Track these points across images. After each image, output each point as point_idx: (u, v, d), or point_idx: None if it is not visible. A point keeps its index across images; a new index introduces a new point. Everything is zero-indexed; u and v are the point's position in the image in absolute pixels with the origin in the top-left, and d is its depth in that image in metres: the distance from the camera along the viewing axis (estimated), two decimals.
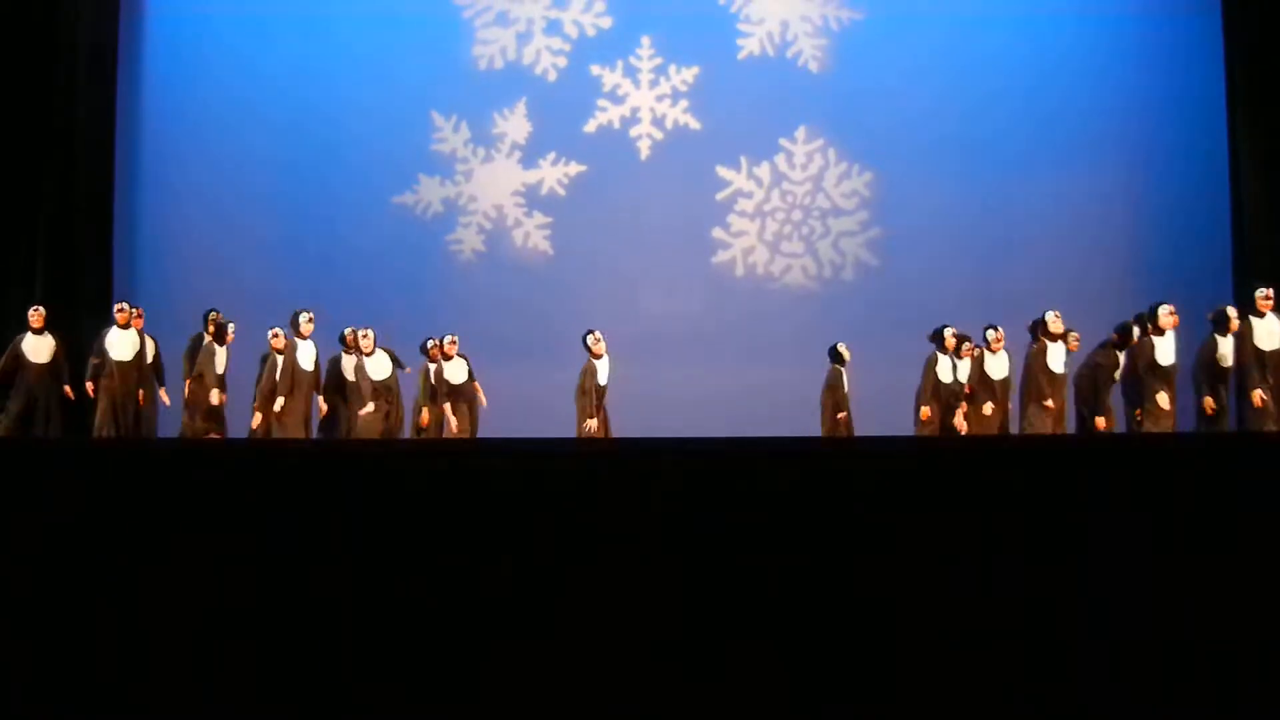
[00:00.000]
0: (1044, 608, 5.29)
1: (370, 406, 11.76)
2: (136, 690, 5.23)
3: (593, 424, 11.86)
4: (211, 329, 11.92)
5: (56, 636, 5.25)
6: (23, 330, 11.42)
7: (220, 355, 11.84)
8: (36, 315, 11.32)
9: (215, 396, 11.69)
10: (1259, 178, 13.47)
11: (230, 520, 5.49)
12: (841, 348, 12.41)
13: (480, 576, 5.47)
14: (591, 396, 11.95)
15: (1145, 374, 10.83)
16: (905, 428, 12.21)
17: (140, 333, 11.68)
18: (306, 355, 11.79)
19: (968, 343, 12.14)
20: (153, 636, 5.25)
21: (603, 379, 12.01)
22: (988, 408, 11.67)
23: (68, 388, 11.47)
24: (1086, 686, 5.20)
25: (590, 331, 12.09)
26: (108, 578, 5.37)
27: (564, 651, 5.43)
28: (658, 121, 14.82)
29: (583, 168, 14.80)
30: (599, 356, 11.99)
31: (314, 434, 11.82)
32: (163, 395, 12.11)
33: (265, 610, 5.40)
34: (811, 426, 12.29)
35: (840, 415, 12.20)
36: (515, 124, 14.86)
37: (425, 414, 12.16)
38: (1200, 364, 10.99)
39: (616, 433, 12.02)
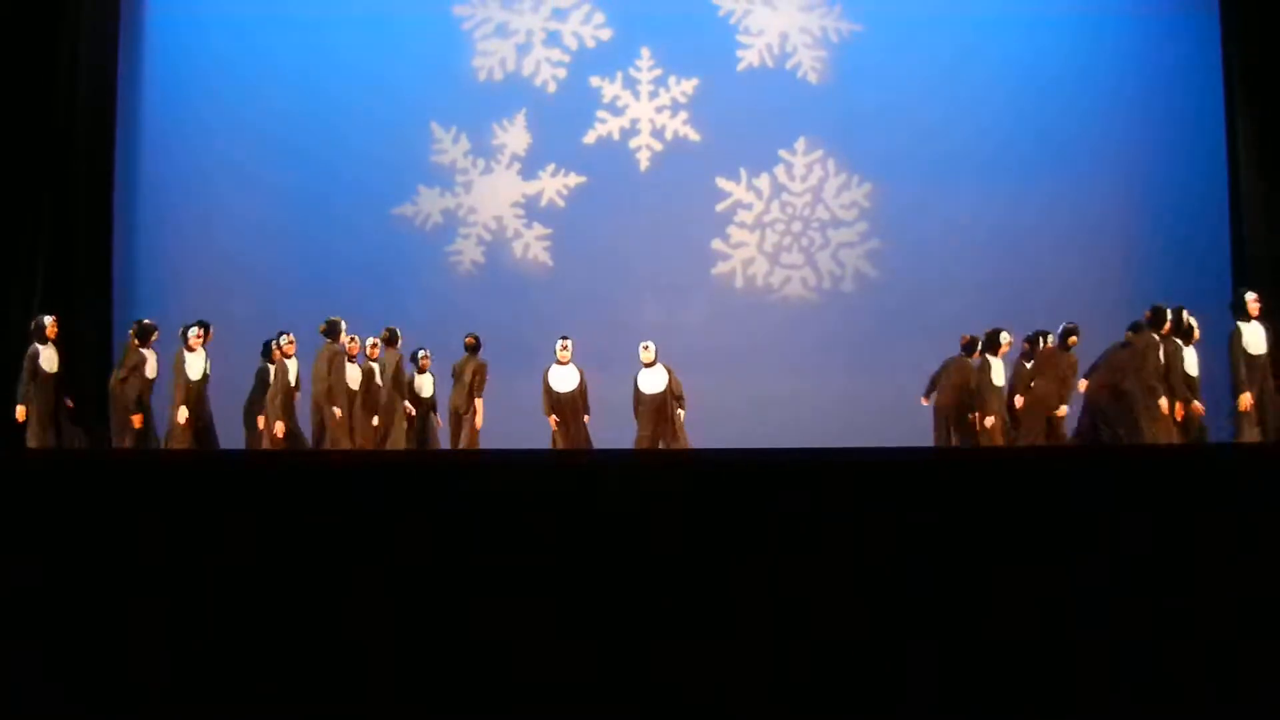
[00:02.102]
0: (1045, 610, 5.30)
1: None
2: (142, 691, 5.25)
3: (553, 420, 12.17)
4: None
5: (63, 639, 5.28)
6: (22, 338, 11.43)
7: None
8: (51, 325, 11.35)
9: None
10: (1258, 182, 13.48)
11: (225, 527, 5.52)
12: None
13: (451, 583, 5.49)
14: (545, 402, 12.17)
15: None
16: (904, 437, 12.16)
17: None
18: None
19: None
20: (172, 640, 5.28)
21: (556, 385, 12.07)
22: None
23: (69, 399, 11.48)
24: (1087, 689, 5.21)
25: (561, 338, 12.26)
26: (107, 581, 5.39)
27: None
28: (657, 133, 14.84)
29: (582, 179, 14.81)
30: (561, 364, 12.12)
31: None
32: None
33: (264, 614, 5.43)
34: (808, 437, 12.26)
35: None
36: (515, 135, 14.88)
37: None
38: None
39: (616, 444, 12.01)
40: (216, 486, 5.62)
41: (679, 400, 12.23)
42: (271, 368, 12.02)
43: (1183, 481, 5.47)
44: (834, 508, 5.67)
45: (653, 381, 12.15)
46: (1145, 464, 5.81)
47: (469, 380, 12.25)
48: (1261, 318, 10.92)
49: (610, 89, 14.89)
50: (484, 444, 12.33)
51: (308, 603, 5.42)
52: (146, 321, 11.72)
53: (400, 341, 12.43)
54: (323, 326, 11.78)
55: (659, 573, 5.58)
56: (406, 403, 12.32)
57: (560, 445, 11.98)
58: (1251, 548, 5.19)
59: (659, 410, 12.12)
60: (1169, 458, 6.29)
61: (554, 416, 12.16)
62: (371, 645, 5.40)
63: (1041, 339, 11.78)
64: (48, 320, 11.32)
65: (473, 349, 12.35)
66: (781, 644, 5.48)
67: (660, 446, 11.91)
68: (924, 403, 12.19)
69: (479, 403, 12.25)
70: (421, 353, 12.73)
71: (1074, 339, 11.47)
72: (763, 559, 5.60)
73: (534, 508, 5.71)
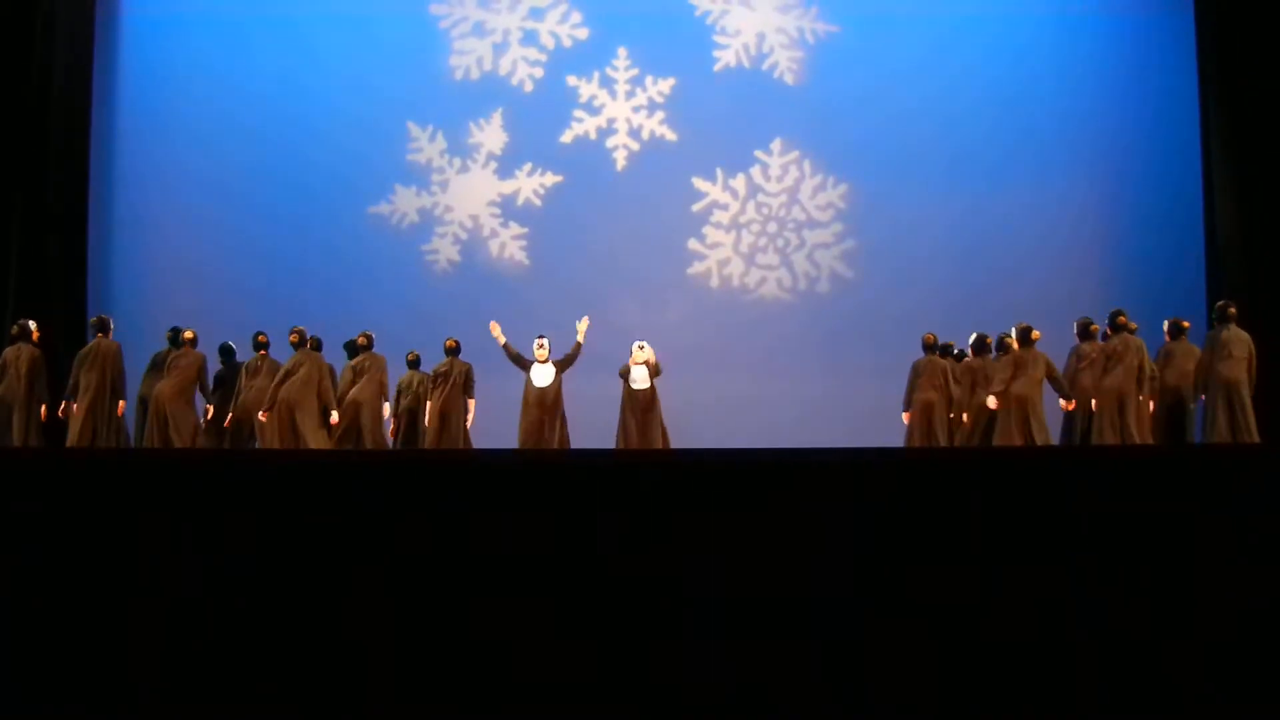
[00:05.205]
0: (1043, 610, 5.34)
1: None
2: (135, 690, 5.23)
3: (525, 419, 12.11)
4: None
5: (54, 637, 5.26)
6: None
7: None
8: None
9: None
10: (1232, 188, 13.62)
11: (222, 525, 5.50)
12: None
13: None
14: (526, 400, 12.12)
15: None
16: (880, 438, 12.17)
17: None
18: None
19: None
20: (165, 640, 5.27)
21: (538, 383, 12.04)
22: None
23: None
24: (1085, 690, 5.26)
25: (538, 337, 12.19)
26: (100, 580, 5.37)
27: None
28: (634, 132, 14.85)
29: (559, 178, 14.80)
30: (540, 362, 12.08)
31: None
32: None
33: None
34: (784, 437, 12.28)
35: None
36: (491, 134, 14.86)
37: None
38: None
39: (589, 443, 11.99)
40: (216, 486, 5.60)
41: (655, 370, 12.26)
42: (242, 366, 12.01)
43: (1182, 482, 5.53)
44: (832, 508, 5.69)
45: (638, 379, 12.18)
46: (1144, 464, 5.86)
47: (458, 381, 12.16)
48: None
49: (587, 88, 14.90)
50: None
51: (307, 603, 5.40)
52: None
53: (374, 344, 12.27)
54: (293, 337, 11.65)
55: (657, 572, 5.59)
56: (386, 406, 12.25)
57: (532, 444, 11.95)
58: (1250, 549, 5.27)
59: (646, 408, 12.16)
60: (1168, 458, 6.36)
61: (529, 416, 12.13)
62: (371, 645, 5.39)
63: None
64: (32, 325, 11.33)
65: (454, 351, 12.28)
66: (779, 644, 5.50)
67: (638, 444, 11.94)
68: (905, 419, 12.11)
69: (470, 403, 12.21)
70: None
71: (1036, 334, 11.36)
72: (760, 558, 5.62)
73: (532, 507, 5.71)
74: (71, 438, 11.30)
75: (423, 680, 5.38)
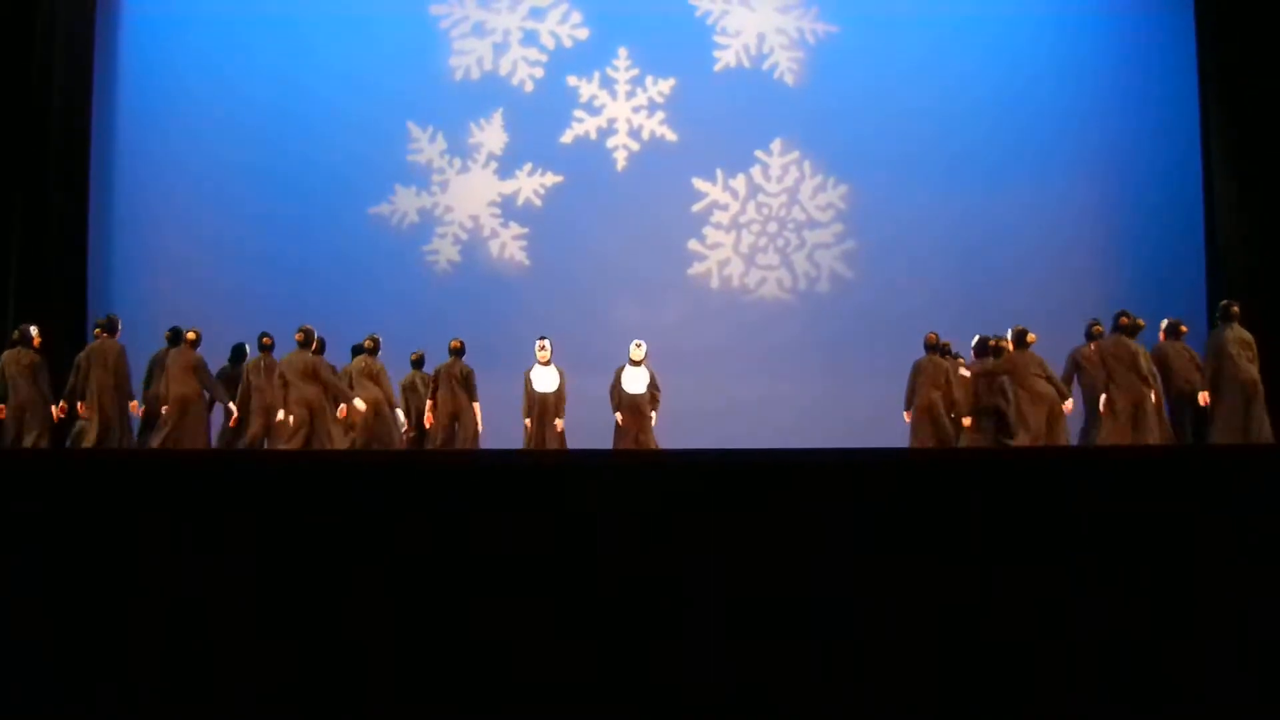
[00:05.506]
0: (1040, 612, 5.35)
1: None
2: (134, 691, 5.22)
3: (527, 423, 12.17)
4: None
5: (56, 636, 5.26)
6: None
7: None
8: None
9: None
10: (1233, 189, 13.64)
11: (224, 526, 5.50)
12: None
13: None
14: (526, 402, 12.16)
15: None
16: (880, 438, 12.15)
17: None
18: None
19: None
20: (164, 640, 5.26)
21: (539, 386, 12.04)
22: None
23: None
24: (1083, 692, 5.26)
25: (539, 338, 12.19)
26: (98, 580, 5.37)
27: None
28: (634, 133, 14.87)
29: (559, 178, 14.82)
30: (542, 364, 12.08)
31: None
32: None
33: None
34: (783, 437, 12.27)
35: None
36: (492, 134, 14.88)
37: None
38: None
39: (591, 442, 11.99)
40: (216, 486, 5.59)
41: (653, 403, 12.23)
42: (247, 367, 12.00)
43: (1182, 482, 5.53)
44: (831, 508, 5.69)
45: (636, 381, 12.16)
46: (1143, 464, 5.87)
47: (459, 383, 12.17)
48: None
49: (587, 89, 14.92)
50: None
51: (308, 603, 5.40)
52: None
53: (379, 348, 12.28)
54: (299, 336, 11.60)
55: (657, 573, 5.58)
56: (400, 412, 12.29)
57: (532, 446, 11.96)
58: (1251, 549, 5.27)
59: (637, 410, 12.13)
60: (1168, 458, 6.37)
61: (528, 419, 12.13)
62: (371, 645, 5.39)
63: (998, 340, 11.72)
64: (34, 330, 11.31)
65: (459, 352, 12.28)
66: (779, 644, 5.50)
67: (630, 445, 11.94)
68: (906, 418, 12.08)
69: (476, 406, 12.19)
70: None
71: (1031, 337, 11.31)
72: (760, 558, 5.61)
73: (533, 508, 5.71)
74: (88, 440, 11.27)
75: (423, 680, 5.38)
